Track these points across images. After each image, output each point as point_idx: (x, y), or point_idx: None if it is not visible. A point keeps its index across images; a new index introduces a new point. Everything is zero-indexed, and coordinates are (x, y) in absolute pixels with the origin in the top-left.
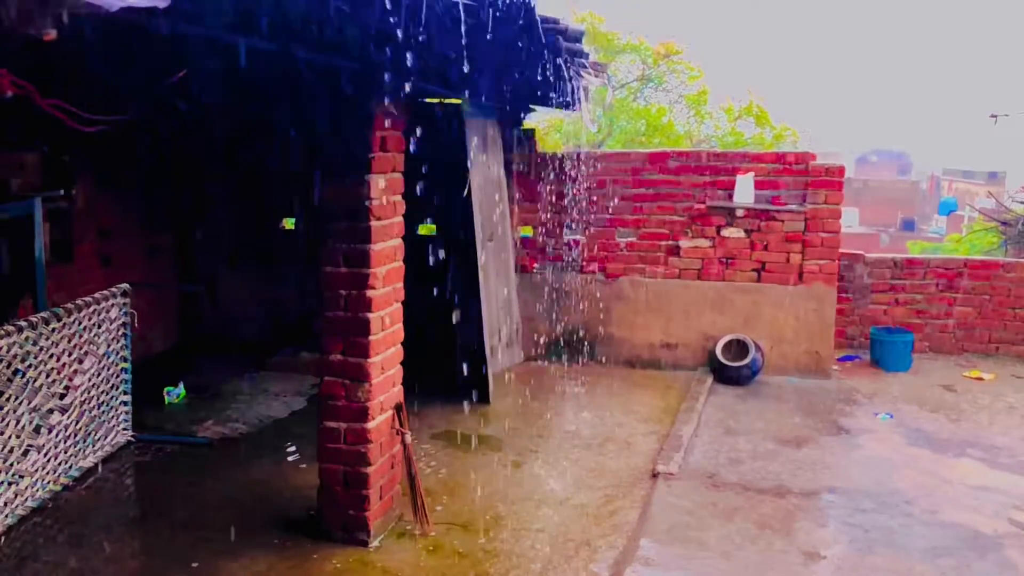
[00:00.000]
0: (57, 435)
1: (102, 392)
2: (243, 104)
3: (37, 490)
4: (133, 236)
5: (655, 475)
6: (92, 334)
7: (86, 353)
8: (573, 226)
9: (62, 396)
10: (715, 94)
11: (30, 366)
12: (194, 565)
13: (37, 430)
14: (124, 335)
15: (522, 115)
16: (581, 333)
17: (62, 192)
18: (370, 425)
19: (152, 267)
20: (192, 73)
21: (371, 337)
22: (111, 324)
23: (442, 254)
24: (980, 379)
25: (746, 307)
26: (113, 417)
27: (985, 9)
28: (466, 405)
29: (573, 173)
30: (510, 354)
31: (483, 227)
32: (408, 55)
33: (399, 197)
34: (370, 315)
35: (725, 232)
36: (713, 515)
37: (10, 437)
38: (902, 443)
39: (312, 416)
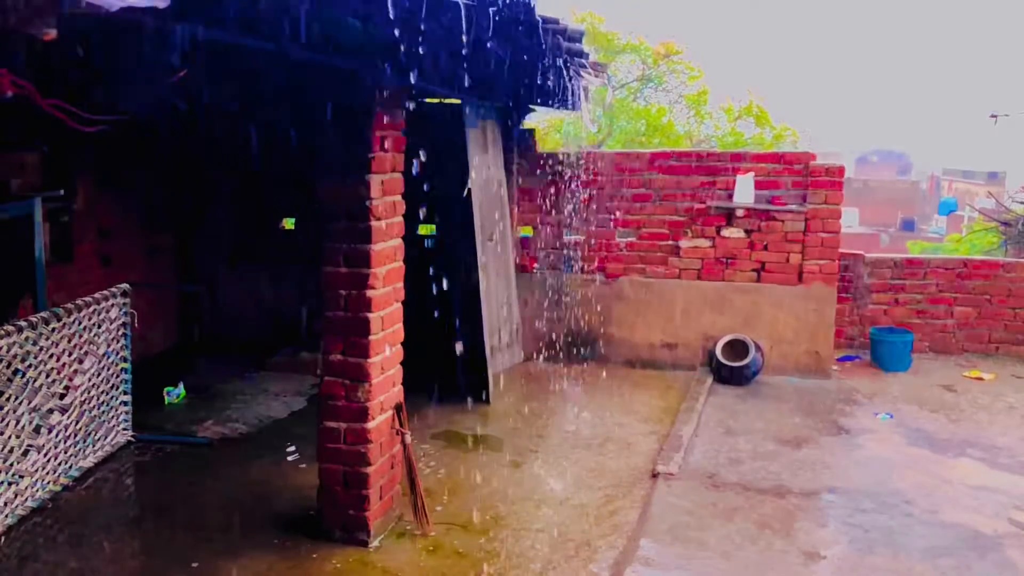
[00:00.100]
0: (57, 435)
1: (102, 392)
2: (243, 104)
3: (37, 490)
4: (133, 236)
5: (655, 475)
6: (92, 334)
7: (86, 353)
8: (573, 226)
9: (62, 396)
10: (715, 94)
11: (30, 366)
12: (194, 565)
13: (37, 430)
14: (124, 335)
15: (522, 115)
16: (581, 333)
17: (62, 192)
18: (370, 425)
19: (152, 267)
20: (192, 73)
21: (371, 337)
22: (111, 324)
23: (442, 254)
24: (980, 379)
25: (746, 307)
26: (113, 417)
27: (985, 9)
28: (466, 405)
29: (573, 173)
30: (510, 354)
31: (483, 227)
32: (408, 55)
33: (399, 197)
34: (370, 315)
35: (725, 232)
36: (713, 515)
37: (10, 437)
38: (902, 443)
39: (312, 416)
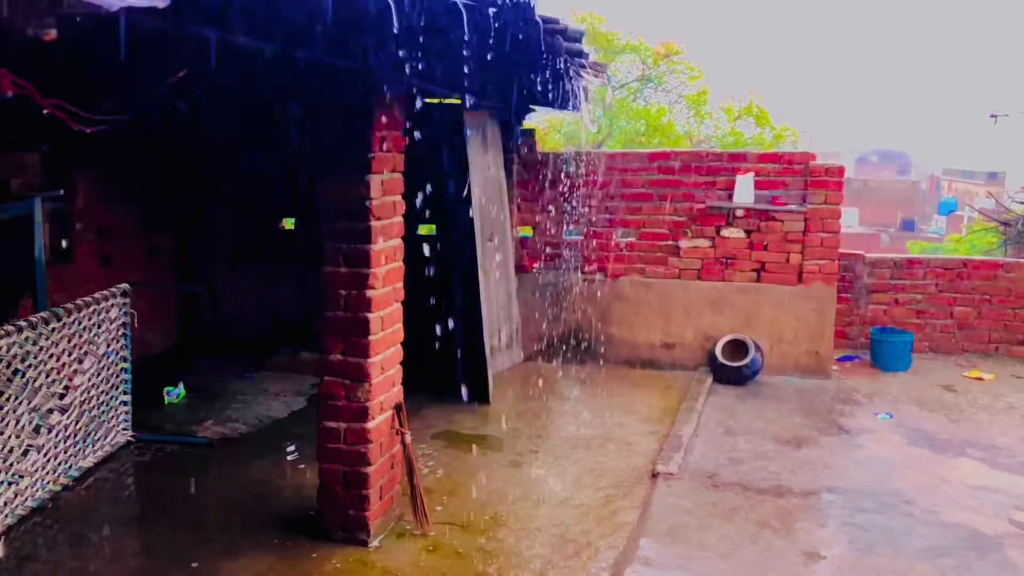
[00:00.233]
0: (57, 435)
1: (102, 392)
2: (243, 104)
3: (37, 490)
4: (133, 236)
5: (655, 475)
6: (92, 334)
7: (86, 353)
8: (573, 226)
9: (62, 396)
10: (715, 94)
11: (30, 366)
12: (194, 565)
13: (37, 430)
14: (124, 335)
15: (522, 115)
16: (581, 333)
17: (62, 192)
18: (370, 425)
19: (152, 267)
20: (192, 73)
21: (371, 337)
22: (111, 324)
23: (442, 255)
24: (980, 379)
25: (746, 307)
26: (113, 417)
27: (985, 9)
28: (466, 405)
29: (573, 173)
30: (510, 354)
31: (483, 227)
32: (408, 56)
33: (399, 197)
34: (370, 315)
35: (725, 232)
36: (713, 515)
37: (10, 437)
38: (902, 443)
39: (312, 416)
